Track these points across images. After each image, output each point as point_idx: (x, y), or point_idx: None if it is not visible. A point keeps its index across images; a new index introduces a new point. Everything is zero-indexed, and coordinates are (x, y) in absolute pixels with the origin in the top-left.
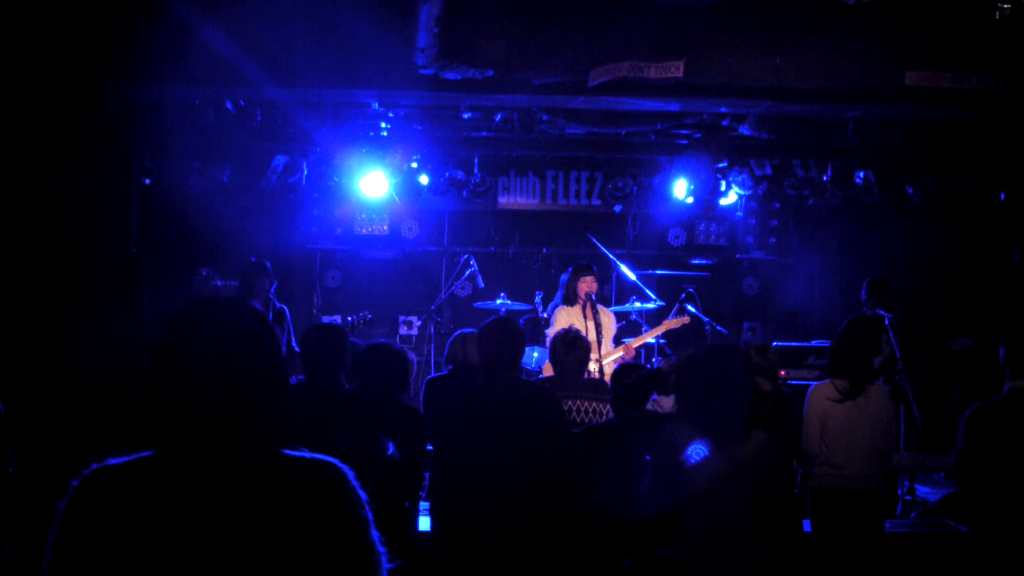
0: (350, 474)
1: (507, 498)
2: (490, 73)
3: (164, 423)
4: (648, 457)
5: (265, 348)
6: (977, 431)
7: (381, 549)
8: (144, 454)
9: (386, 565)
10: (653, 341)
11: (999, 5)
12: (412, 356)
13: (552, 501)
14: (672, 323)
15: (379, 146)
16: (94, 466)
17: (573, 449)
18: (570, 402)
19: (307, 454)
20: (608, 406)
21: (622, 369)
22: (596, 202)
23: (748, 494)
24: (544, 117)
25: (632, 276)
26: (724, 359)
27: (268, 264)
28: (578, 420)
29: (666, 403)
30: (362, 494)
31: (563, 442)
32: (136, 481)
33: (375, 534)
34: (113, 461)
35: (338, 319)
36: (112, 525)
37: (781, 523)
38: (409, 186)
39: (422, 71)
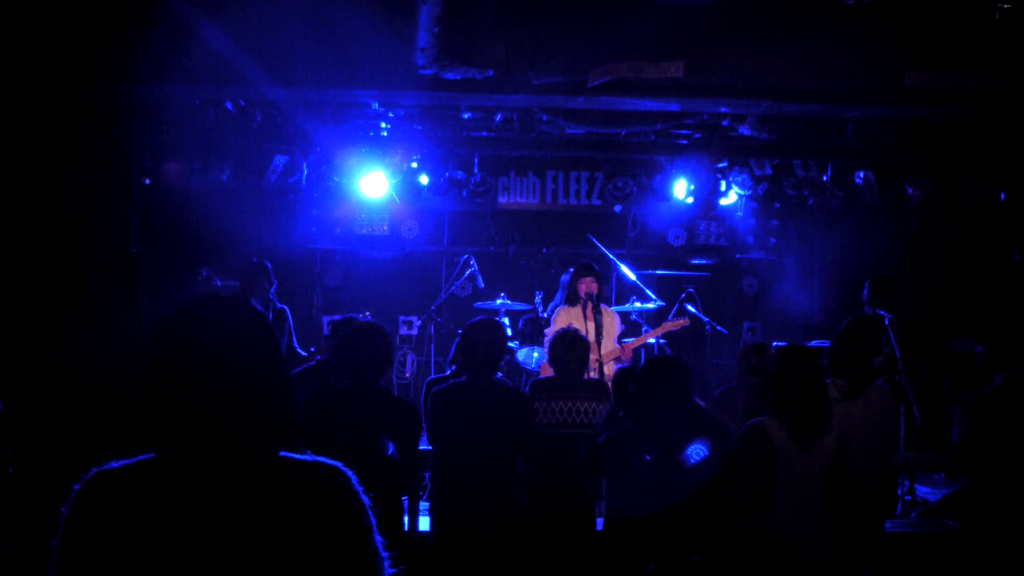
0: (353, 478)
1: (499, 496)
2: (490, 73)
3: (163, 424)
4: (648, 457)
5: (266, 348)
6: (981, 417)
7: (384, 554)
8: (144, 457)
9: (389, 571)
10: (653, 342)
11: (999, 5)
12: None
13: (545, 500)
14: (671, 325)
15: (379, 146)
16: (94, 470)
17: (538, 449)
18: (569, 403)
19: (310, 457)
20: (606, 407)
21: (623, 373)
22: (596, 202)
23: (828, 485)
24: (544, 117)
25: (632, 276)
26: (812, 360)
27: (269, 264)
28: (577, 421)
29: None
30: (365, 499)
31: (531, 441)
32: (137, 485)
33: (378, 539)
34: (113, 465)
35: (337, 319)
36: (114, 529)
37: (845, 518)
38: (409, 186)
39: (422, 71)
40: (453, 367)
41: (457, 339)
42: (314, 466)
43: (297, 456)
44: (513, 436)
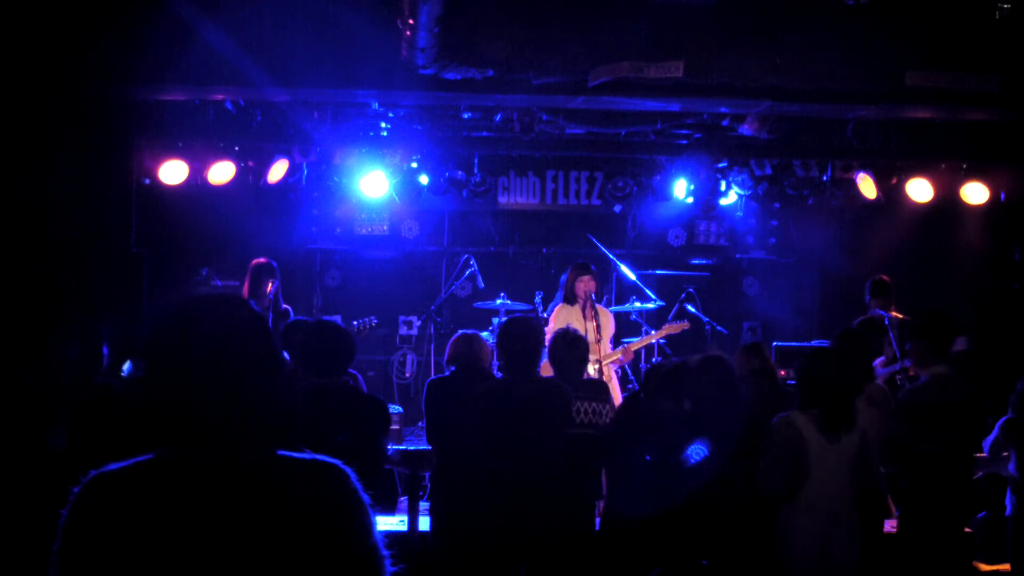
0: (352, 476)
1: (527, 496)
2: (490, 73)
3: (161, 425)
4: (648, 457)
5: (262, 346)
6: (906, 414)
7: (385, 552)
8: (142, 458)
9: (390, 569)
10: (653, 343)
11: (999, 5)
12: (413, 357)
13: (565, 496)
14: (672, 328)
15: (379, 146)
16: (92, 473)
17: (575, 445)
18: None
19: (308, 455)
20: (607, 407)
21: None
22: (596, 202)
23: (853, 480)
24: (544, 117)
25: (632, 276)
26: (844, 359)
27: (275, 264)
28: (577, 420)
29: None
30: (365, 496)
31: (571, 436)
32: (136, 487)
33: (379, 536)
34: (112, 467)
35: (338, 319)
36: (114, 532)
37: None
38: (409, 186)
39: (422, 71)
40: (452, 368)
41: (453, 339)
42: (312, 464)
43: (295, 455)
44: (551, 434)
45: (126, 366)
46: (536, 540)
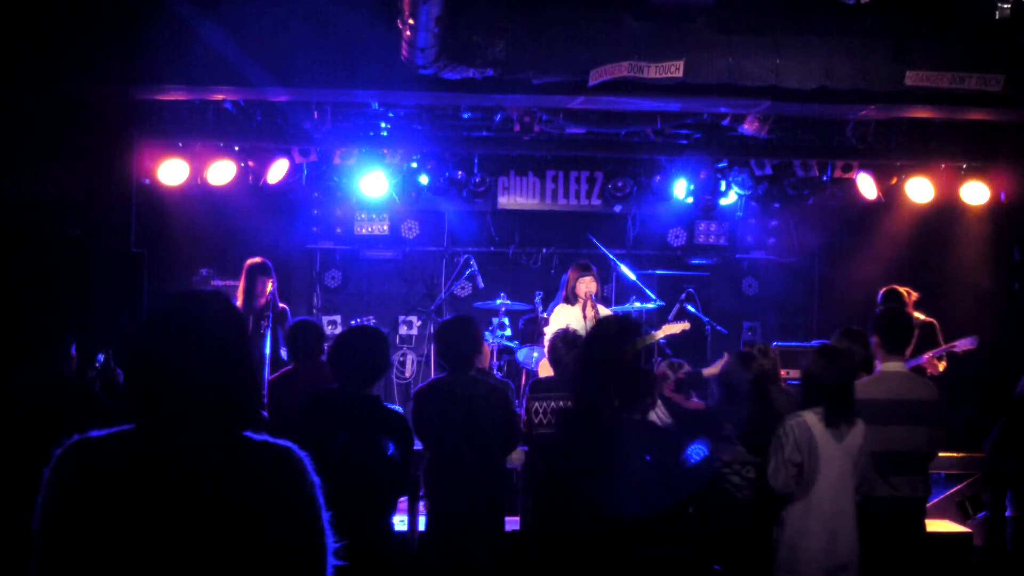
0: (305, 459)
1: (487, 494)
2: (490, 73)
3: (136, 403)
4: (648, 457)
5: (229, 339)
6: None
7: (328, 532)
8: (121, 428)
9: (332, 545)
10: (651, 343)
11: (999, 5)
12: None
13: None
14: (672, 328)
15: (379, 146)
16: (76, 437)
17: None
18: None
19: (267, 438)
20: None
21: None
22: (596, 202)
23: (855, 476)
24: (544, 117)
25: (632, 276)
26: (842, 357)
27: (269, 263)
28: None
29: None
30: (314, 478)
31: (517, 433)
32: (110, 452)
33: (326, 516)
34: (94, 433)
35: (339, 320)
36: (88, 489)
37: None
38: (409, 186)
39: (422, 71)
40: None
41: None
42: (269, 445)
43: (255, 437)
44: (497, 431)
45: (99, 357)
46: (484, 535)
